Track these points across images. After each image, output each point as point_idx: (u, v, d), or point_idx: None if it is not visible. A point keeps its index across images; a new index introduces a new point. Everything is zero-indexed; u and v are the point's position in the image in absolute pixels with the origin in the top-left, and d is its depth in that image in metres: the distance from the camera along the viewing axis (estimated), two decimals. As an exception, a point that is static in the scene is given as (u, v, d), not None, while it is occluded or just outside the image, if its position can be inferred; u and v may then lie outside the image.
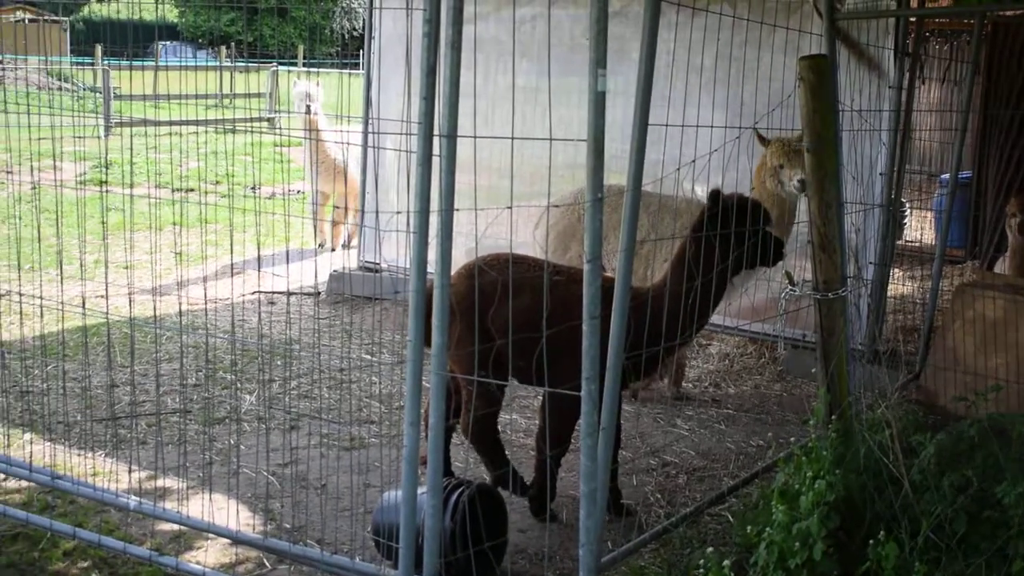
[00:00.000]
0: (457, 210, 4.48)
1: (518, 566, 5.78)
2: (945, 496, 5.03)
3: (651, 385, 8.54)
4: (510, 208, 4.82)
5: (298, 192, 17.22)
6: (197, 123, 13.21)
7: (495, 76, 10.30)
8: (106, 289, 6.36)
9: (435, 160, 4.43)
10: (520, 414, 7.96)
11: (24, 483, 6.37)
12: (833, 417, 5.69)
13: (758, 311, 9.05)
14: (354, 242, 13.26)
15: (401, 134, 4.65)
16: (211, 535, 5.76)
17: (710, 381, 9.10)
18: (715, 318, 9.22)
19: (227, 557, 5.72)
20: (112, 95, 23.39)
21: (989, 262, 11.88)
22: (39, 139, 6.64)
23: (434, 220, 4.51)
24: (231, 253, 6.83)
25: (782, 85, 8.06)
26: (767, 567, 4.91)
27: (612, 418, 4.83)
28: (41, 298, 6.35)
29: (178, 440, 7.16)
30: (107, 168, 15.47)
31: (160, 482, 6.58)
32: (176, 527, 5.88)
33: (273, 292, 11.28)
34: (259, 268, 11.50)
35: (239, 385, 8.30)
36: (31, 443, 6.84)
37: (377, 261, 11.19)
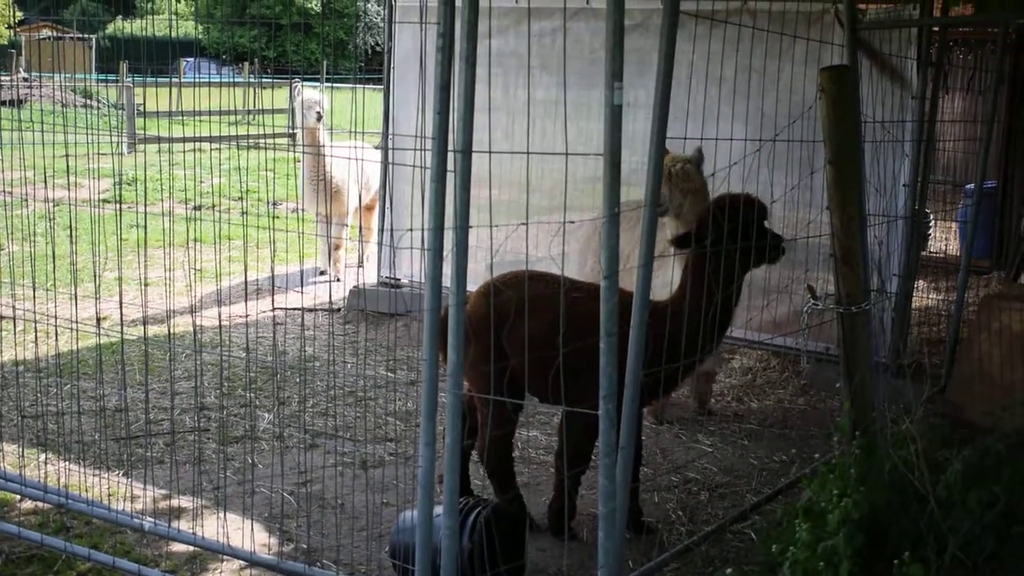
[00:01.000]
0: (472, 226, 4.40)
1: (537, 587, 5.71)
2: (972, 513, 4.93)
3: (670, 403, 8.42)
4: (526, 224, 4.72)
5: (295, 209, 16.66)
6: (219, 139, 13.15)
7: (515, 90, 10.25)
8: (120, 307, 6.30)
9: (453, 176, 4.37)
10: (540, 431, 7.87)
11: (39, 504, 6.33)
12: (857, 433, 5.59)
13: (780, 325, 8.95)
14: (364, 259, 13.10)
15: (416, 150, 4.58)
16: (226, 556, 5.70)
17: (733, 396, 9.00)
18: (738, 332, 9.17)
19: (243, 579, 5.67)
20: (135, 112, 23.44)
21: (1015, 273, 11.74)
22: (62, 156, 6.63)
23: (450, 236, 4.44)
24: (245, 270, 6.78)
25: (803, 97, 7.97)
26: (791, 587, 4.82)
27: (631, 437, 4.74)
28: (56, 317, 6.31)
29: (194, 459, 7.11)
30: (127, 185, 15.52)
31: (175, 502, 6.53)
32: (191, 548, 5.83)
33: (291, 309, 11.22)
34: (272, 284, 11.49)
35: (256, 403, 8.24)
36: (46, 463, 6.79)
37: (397, 277, 11.14)
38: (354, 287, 11.27)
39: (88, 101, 28.11)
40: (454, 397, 4.52)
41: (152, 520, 5.89)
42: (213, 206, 15.08)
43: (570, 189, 5.37)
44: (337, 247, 12.59)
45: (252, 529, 6.00)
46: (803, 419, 8.42)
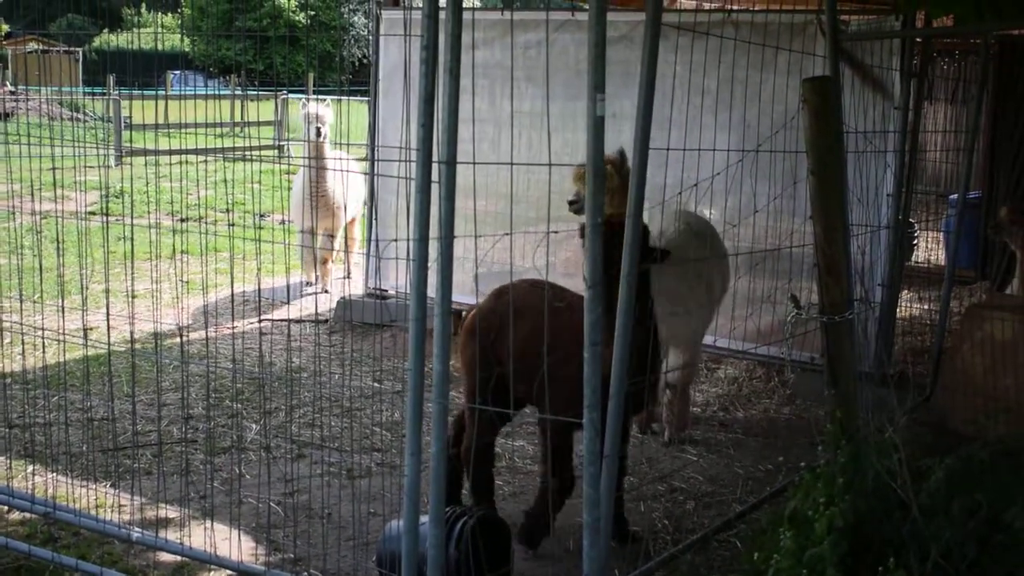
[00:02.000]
0: (457, 237, 4.43)
1: (522, 595, 5.72)
2: (955, 520, 4.95)
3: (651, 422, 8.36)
4: (510, 234, 4.75)
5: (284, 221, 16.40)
6: (205, 151, 13.12)
7: (501, 101, 10.27)
8: (107, 319, 6.31)
9: (437, 187, 4.40)
10: (527, 440, 7.89)
11: (27, 515, 6.33)
12: (843, 441, 5.62)
13: (765, 334, 8.98)
14: (350, 271, 13.05)
15: (401, 161, 4.61)
16: (214, 566, 5.71)
17: (719, 405, 9.02)
18: (722, 341, 9.20)
19: (230, 589, 5.67)
20: (123, 124, 23.43)
21: (1000, 283, 11.79)
22: (50, 169, 6.64)
23: (434, 247, 4.46)
24: (231, 282, 6.80)
25: (786, 107, 8.02)
26: (776, 594, 4.84)
27: (615, 447, 4.76)
28: (44, 329, 6.32)
29: (181, 470, 7.11)
30: (114, 198, 15.51)
31: (163, 512, 6.53)
32: (179, 558, 5.83)
33: (278, 320, 11.22)
34: (259, 296, 11.49)
35: (243, 414, 8.24)
36: (34, 474, 6.80)
37: (384, 288, 11.14)
38: (341, 298, 11.28)
39: (75, 114, 28.08)
40: (439, 406, 4.54)
41: (140, 530, 5.90)
42: (200, 218, 15.08)
43: (556, 200, 5.41)
44: (325, 260, 12.53)
45: (240, 539, 6.00)
46: (788, 428, 8.44)
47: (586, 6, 10.95)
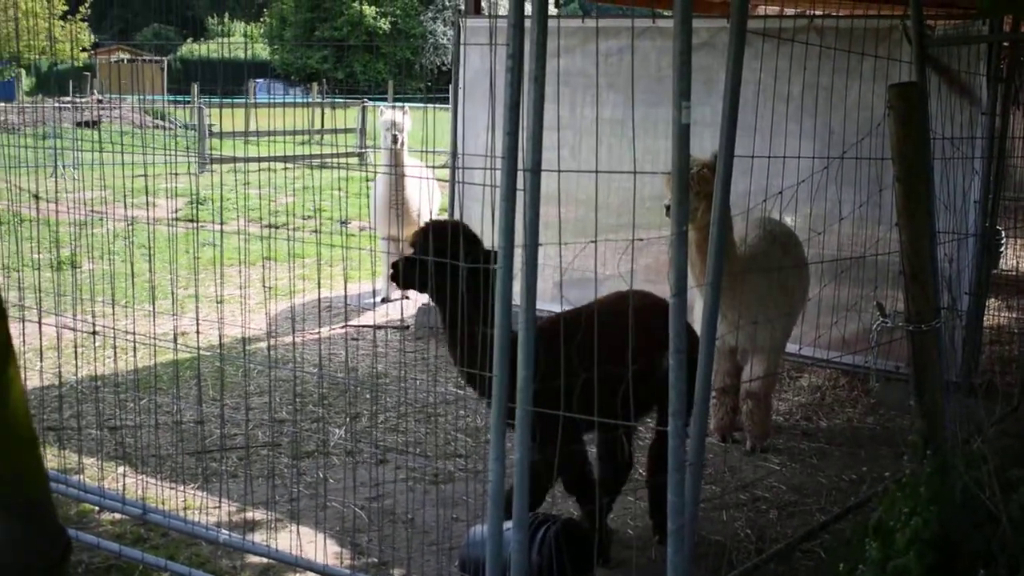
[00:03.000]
0: (541, 244, 4.45)
1: (605, 601, 5.72)
2: (1046, 533, 4.87)
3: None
4: (595, 242, 4.75)
5: (365, 228, 16.41)
6: (290, 159, 13.24)
7: (582, 108, 10.28)
8: (197, 324, 6.43)
9: (521, 194, 4.42)
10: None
11: (117, 515, 6.45)
12: (928, 452, 5.55)
13: (849, 343, 8.90)
14: None
15: (486, 168, 4.64)
16: (300, 568, 5.78)
17: (801, 414, 8.94)
18: (805, 349, 9.11)
19: (315, 591, 5.73)
20: (207, 132, 23.77)
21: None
22: (138, 176, 6.77)
23: (518, 254, 4.49)
24: (318, 287, 6.86)
25: (871, 113, 7.95)
26: (860, 606, 4.79)
27: (701, 454, 4.74)
28: (134, 333, 6.44)
29: (267, 473, 7.20)
30: (201, 205, 15.77)
31: (249, 515, 6.61)
32: (265, 560, 5.91)
33: (362, 326, 11.32)
34: (346, 302, 11.58)
35: (327, 419, 8.33)
36: (124, 476, 6.92)
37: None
38: (423, 305, 11.32)
39: (161, 122, 28.56)
40: (524, 413, 4.56)
41: (227, 532, 5.99)
42: (285, 225, 15.27)
43: (637, 207, 5.40)
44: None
45: (325, 542, 6.07)
46: (872, 438, 8.35)
47: (667, 13, 10.96)
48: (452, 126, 11.14)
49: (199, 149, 22.04)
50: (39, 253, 8.90)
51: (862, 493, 6.92)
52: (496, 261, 5.27)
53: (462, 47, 11.28)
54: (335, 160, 19.66)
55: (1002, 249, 13.63)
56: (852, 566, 4.96)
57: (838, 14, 9.73)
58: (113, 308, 6.78)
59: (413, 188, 11.85)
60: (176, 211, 16.16)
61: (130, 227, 10.99)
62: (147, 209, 6.97)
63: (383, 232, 12.33)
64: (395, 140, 11.55)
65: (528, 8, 4.49)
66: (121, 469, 7.10)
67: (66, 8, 38.10)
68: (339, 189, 16.37)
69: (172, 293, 9.36)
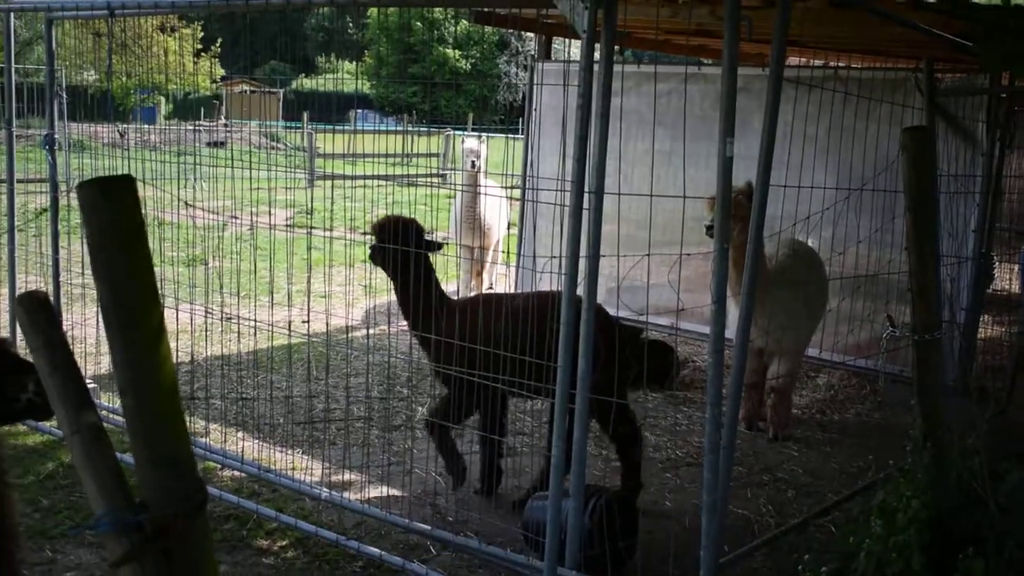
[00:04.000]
0: (603, 256, 4.47)
1: (645, 563, 5.70)
2: (1029, 517, 4.81)
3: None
4: (648, 255, 4.77)
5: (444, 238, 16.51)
6: (383, 177, 13.31)
7: (633, 142, 10.24)
8: (308, 315, 6.50)
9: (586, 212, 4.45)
10: (650, 431, 7.88)
11: (236, 473, 6.55)
12: (928, 444, 5.49)
13: (861, 348, 8.83)
14: (491, 283, 13.04)
15: (556, 190, 4.67)
16: (387, 524, 5.83)
17: (816, 408, 8.86)
18: (827, 354, 9.05)
19: (399, 543, 5.76)
20: (315, 153, 24.00)
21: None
22: (258, 189, 6.86)
23: (581, 264, 4.51)
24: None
25: (886, 152, 7.89)
26: (866, 574, 4.76)
27: (732, 438, 4.73)
28: (255, 320, 6.52)
29: (362, 443, 7.27)
30: (309, 214, 15.89)
31: (346, 477, 6.68)
32: (358, 517, 5.96)
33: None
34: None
35: (413, 398, 8.39)
36: (243, 440, 7.02)
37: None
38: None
39: (276, 144, 28.87)
40: (583, 400, 4.58)
41: (328, 491, 6.05)
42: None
43: (681, 226, 5.42)
44: (478, 272, 12.66)
45: (409, 503, 6.12)
46: (878, 431, 8.26)
47: (707, 61, 10.93)
48: (524, 153, 11.19)
49: (309, 167, 22.26)
50: (175, 251, 9.03)
51: (868, 478, 6.85)
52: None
53: (537, 87, 11.33)
54: (422, 179, 19.76)
55: (994, 272, 13.43)
56: (859, 540, 4.93)
57: (859, 66, 9.62)
58: (238, 299, 6.86)
59: (487, 205, 11.95)
60: (289, 219, 16.32)
61: (251, 232, 11.12)
62: (265, 217, 7.06)
63: (461, 241, 12.43)
64: (473, 165, 11.70)
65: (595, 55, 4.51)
66: (240, 434, 7.20)
67: (200, 47, 38.64)
68: (424, 204, 16.47)
69: (285, 288, 9.45)
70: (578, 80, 4.42)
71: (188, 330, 7.26)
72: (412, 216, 6.53)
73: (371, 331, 10.33)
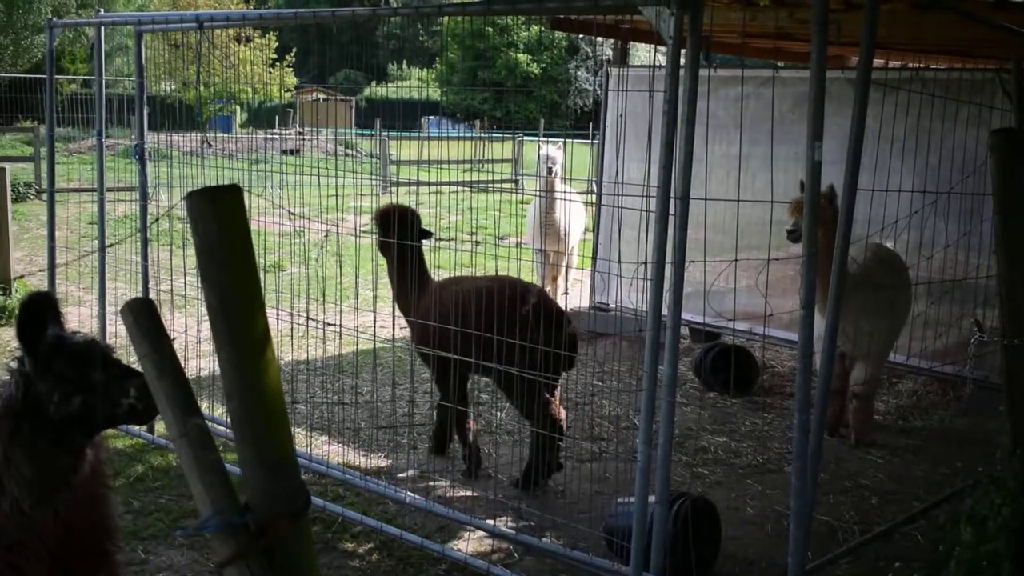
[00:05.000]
0: (691, 262, 4.46)
1: (728, 569, 5.67)
2: (1125, 528, 4.69)
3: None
4: (735, 261, 4.74)
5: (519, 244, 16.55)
6: (455, 183, 13.40)
7: (711, 146, 10.21)
8: (393, 320, 6.56)
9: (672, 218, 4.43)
10: (730, 437, 7.83)
11: (320, 477, 6.62)
12: (1017, 451, 5.39)
13: (945, 354, 8.69)
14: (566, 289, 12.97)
15: (641, 196, 4.66)
16: (470, 527, 5.86)
17: (899, 414, 8.73)
18: (913, 360, 8.89)
19: (483, 547, 5.80)
20: (389, 160, 24.19)
21: None
22: (332, 196, 6.94)
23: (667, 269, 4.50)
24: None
25: (972, 154, 7.76)
26: (956, 582, 4.68)
27: (820, 446, 4.68)
28: (340, 326, 6.59)
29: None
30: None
31: (429, 481, 6.72)
32: (441, 520, 6.00)
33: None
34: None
35: (492, 403, 8.41)
36: (327, 444, 7.09)
37: (607, 302, 11.19)
38: (570, 310, 11.34)
39: (349, 151, 29.15)
40: (668, 404, 4.57)
41: (412, 494, 6.10)
42: (451, 239, 15.42)
43: (757, 230, 5.38)
44: (554, 277, 12.64)
45: (492, 507, 6.14)
46: (963, 438, 8.11)
47: (781, 64, 10.82)
48: (599, 158, 11.18)
49: (382, 174, 22.44)
50: (261, 258, 9.14)
51: (955, 485, 6.73)
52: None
53: (615, 92, 11.30)
54: (493, 185, 19.87)
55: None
56: (948, 548, 4.85)
57: (941, 67, 9.47)
58: (325, 305, 6.94)
59: (562, 210, 11.92)
60: (362, 225, 16.47)
61: (325, 238, 11.24)
62: (339, 223, 7.14)
63: (536, 246, 12.41)
64: (550, 171, 11.66)
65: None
66: (324, 438, 7.29)
67: (275, 56, 39.21)
68: (496, 210, 16.56)
69: (356, 293, 9.53)
70: (664, 85, 4.40)
71: (274, 335, 7.29)
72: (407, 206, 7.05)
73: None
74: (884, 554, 5.86)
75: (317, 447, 7.08)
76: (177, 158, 8.23)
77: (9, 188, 12.10)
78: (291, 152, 19.23)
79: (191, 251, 2.60)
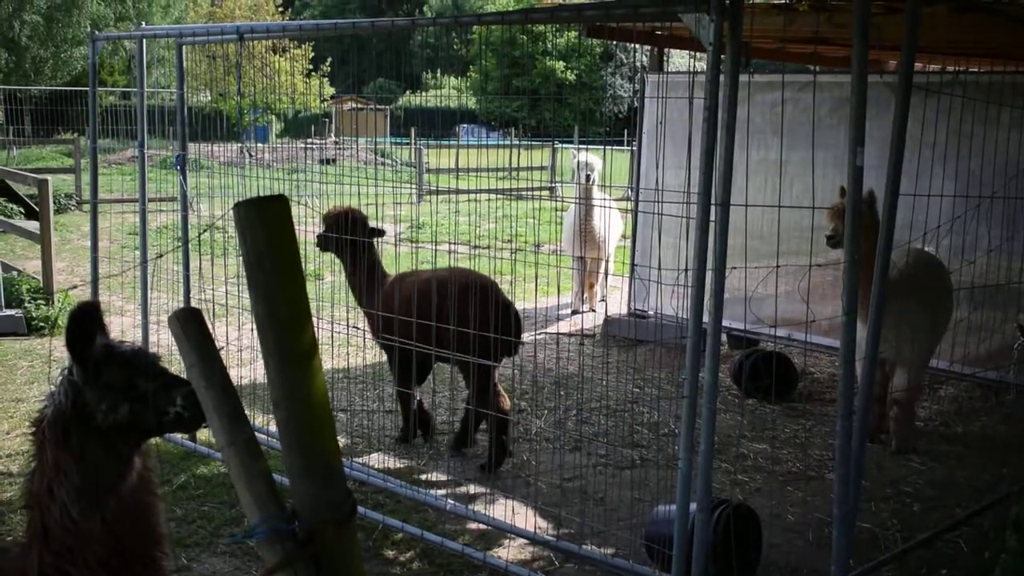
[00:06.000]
0: (733, 268, 4.44)
1: (769, 576, 5.64)
2: None
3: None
4: (776, 267, 4.72)
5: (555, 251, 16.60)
6: (491, 191, 13.40)
7: (748, 151, 10.17)
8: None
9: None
10: (769, 443, 7.79)
11: (361, 485, 6.64)
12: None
13: (988, 359, 8.59)
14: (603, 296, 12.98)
15: (680, 203, 4.65)
16: (511, 535, 5.86)
17: (940, 420, 8.64)
18: (956, 365, 8.79)
19: (523, 554, 5.80)
20: (424, 168, 24.27)
21: None
22: (368, 204, 6.98)
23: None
24: (514, 300, 6.92)
25: (1013, 158, 7.68)
26: (1002, 589, 4.63)
27: (862, 451, 4.64)
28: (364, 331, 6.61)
29: (482, 453, 7.30)
30: (419, 228, 16.11)
31: (468, 489, 6.73)
32: (482, 527, 6.01)
33: (554, 333, 11.37)
34: (535, 312, 11.65)
35: (528, 411, 8.42)
36: (369, 452, 7.11)
37: (645, 309, 11.16)
38: (607, 317, 11.34)
39: (385, 160, 29.27)
40: (709, 411, 4.55)
41: (452, 502, 6.11)
42: (488, 247, 15.46)
43: (795, 236, 5.35)
44: (591, 284, 12.64)
45: (531, 515, 6.14)
46: (1006, 444, 8.01)
47: (816, 68, 10.75)
48: (636, 165, 11.16)
49: (417, 182, 22.52)
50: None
51: (1000, 492, 6.65)
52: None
53: (651, 99, 11.26)
54: (529, 193, 19.87)
55: None
56: (994, 555, 4.80)
57: (981, 70, 9.38)
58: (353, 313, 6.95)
59: (598, 217, 11.91)
60: (399, 233, 16.55)
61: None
62: (377, 231, 7.20)
63: (572, 253, 12.41)
64: (587, 179, 11.67)
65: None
66: (362, 446, 7.31)
67: (310, 67, 39.48)
68: (533, 218, 16.56)
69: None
70: (704, 92, 4.39)
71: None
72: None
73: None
74: (927, 561, 5.81)
75: (357, 455, 7.10)
76: (216, 168, 8.31)
77: (52, 199, 12.25)
78: (327, 161, 19.33)
79: (230, 260, 2.64)
